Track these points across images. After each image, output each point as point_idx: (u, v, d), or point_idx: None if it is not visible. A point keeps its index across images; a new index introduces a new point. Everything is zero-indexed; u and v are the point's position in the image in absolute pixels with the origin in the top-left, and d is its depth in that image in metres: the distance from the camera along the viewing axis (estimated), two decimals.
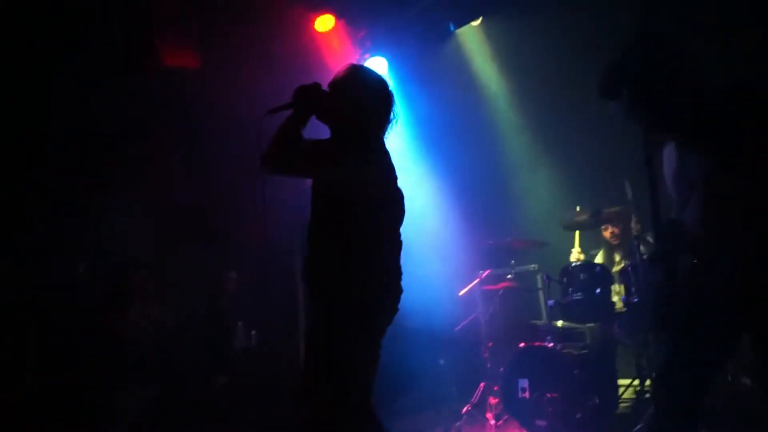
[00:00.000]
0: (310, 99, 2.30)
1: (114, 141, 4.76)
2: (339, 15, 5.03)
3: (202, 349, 4.77)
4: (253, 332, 4.99)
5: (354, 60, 5.23)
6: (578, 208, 4.58)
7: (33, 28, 4.19)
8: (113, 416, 3.95)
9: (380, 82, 2.40)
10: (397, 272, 2.29)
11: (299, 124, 2.28)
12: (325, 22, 5.03)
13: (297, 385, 2.20)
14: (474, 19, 5.08)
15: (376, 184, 2.24)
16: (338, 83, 2.36)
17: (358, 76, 2.39)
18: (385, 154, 2.34)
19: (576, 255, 4.64)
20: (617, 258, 4.69)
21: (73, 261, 4.49)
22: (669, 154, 2.24)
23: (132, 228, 4.69)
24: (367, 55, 5.27)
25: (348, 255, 2.17)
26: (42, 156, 4.46)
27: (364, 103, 2.31)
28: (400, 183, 2.38)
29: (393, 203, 2.32)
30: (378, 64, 5.29)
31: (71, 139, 4.56)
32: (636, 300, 3.85)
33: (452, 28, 5.01)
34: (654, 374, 2.21)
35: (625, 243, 4.58)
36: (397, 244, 2.32)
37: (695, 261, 2.09)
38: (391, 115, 2.38)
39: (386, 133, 2.38)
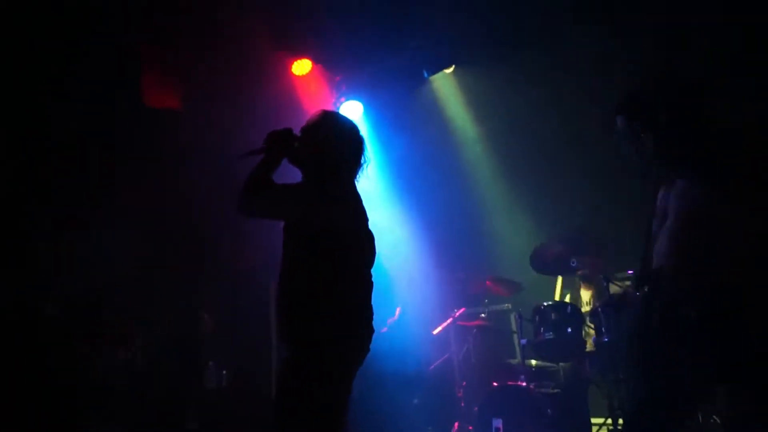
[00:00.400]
0: (282, 144, 2.36)
1: (89, 173, 4.73)
2: (316, 60, 5.17)
3: (173, 388, 4.66)
4: (224, 372, 4.91)
5: (329, 103, 5.36)
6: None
7: (18, 53, 4.21)
8: None
9: (351, 128, 2.47)
10: (368, 312, 2.32)
11: (270, 168, 2.33)
12: (302, 66, 5.16)
13: (269, 428, 2.18)
14: (447, 66, 5.26)
15: (347, 226, 2.29)
16: (310, 128, 2.43)
17: (330, 121, 2.46)
18: (356, 196, 2.40)
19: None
20: (586, 298, 4.78)
21: (42, 295, 4.39)
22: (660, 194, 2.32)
23: (104, 264, 4.63)
24: (342, 99, 5.39)
25: (319, 296, 2.20)
26: (11, 186, 4.41)
27: (335, 148, 2.38)
28: (373, 224, 2.44)
29: (364, 245, 2.37)
30: (353, 108, 5.43)
31: (43, 170, 4.52)
32: (606, 339, 3.92)
33: (426, 74, 5.18)
34: (625, 414, 2.23)
35: (595, 283, 4.68)
36: (368, 284, 2.36)
37: (661, 300, 2.12)
38: (362, 160, 2.44)
39: (357, 176, 2.44)
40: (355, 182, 2.44)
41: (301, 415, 2.12)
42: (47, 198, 4.58)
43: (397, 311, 4.86)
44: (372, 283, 2.37)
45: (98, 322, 4.35)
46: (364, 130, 5.59)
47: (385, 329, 4.63)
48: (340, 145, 2.39)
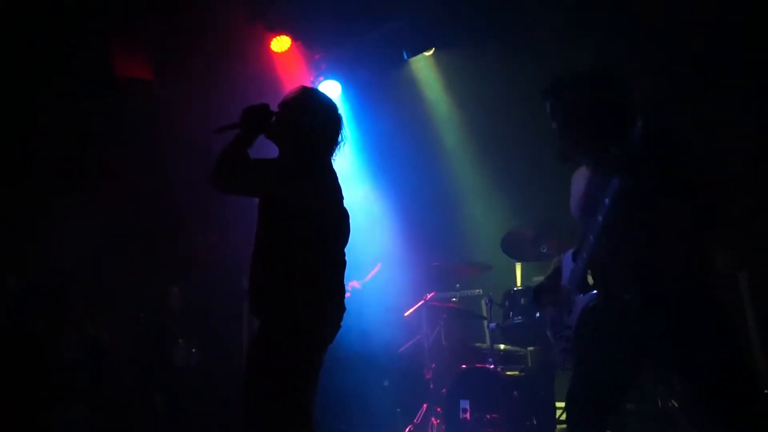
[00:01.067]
0: (258, 119, 2.33)
1: (56, 149, 4.62)
2: (295, 37, 5.10)
3: (140, 366, 4.63)
4: (194, 350, 4.88)
5: (308, 82, 5.30)
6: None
7: None
8: None
9: (330, 105, 2.46)
10: (340, 291, 2.33)
11: (245, 144, 2.31)
12: (281, 43, 5.09)
13: (240, 407, 2.19)
14: (427, 49, 5.25)
15: (321, 203, 2.29)
16: (289, 103, 2.41)
17: (309, 97, 2.44)
18: (332, 174, 2.39)
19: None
20: None
21: (5, 272, 4.30)
22: (580, 177, 2.36)
23: (71, 240, 4.54)
24: (321, 78, 5.35)
25: (291, 273, 2.19)
26: None
27: (313, 125, 2.36)
28: (346, 203, 2.43)
29: (338, 222, 2.37)
30: (331, 88, 5.38)
31: (12, 149, 4.40)
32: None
33: (405, 56, 5.16)
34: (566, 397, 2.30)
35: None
36: (341, 263, 2.36)
37: (600, 287, 2.19)
38: (340, 138, 2.43)
39: (334, 154, 2.43)
40: (332, 160, 2.43)
41: (270, 391, 2.12)
42: (15, 175, 4.46)
43: (377, 267, 4.86)
44: (345, 262, 2.37)
45: (62, 297, 4.28)
46: (342, 109, 5.59)
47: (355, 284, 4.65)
48: (318, 122, 2.37)
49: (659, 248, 2.04)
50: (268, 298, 2.22)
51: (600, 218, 2.13)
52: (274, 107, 2.42)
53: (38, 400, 3.83)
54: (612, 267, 2.14)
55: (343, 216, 2.40)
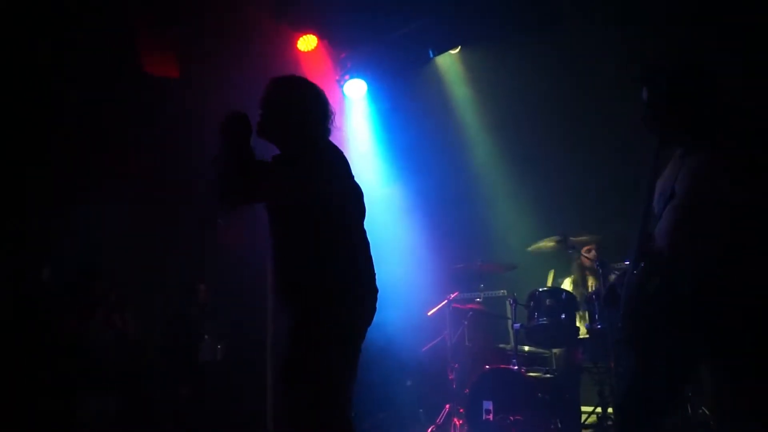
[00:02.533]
0: (240, 125, 2.26)
1: (86, 145, 4.71)
2: (322, 36, 5.12)
3: (166, 361, 4.69)
4: (219, 346, 4.94)
5: (333, 80, 5.32)
6: (549, 238, 4.65)
7: (12, 28, 4.16)
8: (74, 426, 3.85)
9: (306, 84, 2.41)
10: (370, 270, 2.29)
11: (239, 154, 2.23)
12: (307, 42, 5.12)
13: (277, 401, 2.18)
14: (453, 47, 5.22)
15: (335, 184, 2.26)
16: (268, 100, 2.37)
17: (284, 86, 2.40)
18: (336, 151, 2.34)
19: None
20: (591, 284, 4.79)
21: (38, 265, 4.40)
22: (662, 178, 2.28)
23: (102, 234, 4.63)
24: (347, 77, 5.36)
25: (318, 262, 2.17)
26: (10, 157, 4.39)
27: (300, 109, 2.33)
28: (372, 197, 2.39)
29: (354, 199, 2.33)
30: (357, 86, 5.39)
31: (42, 141, 4.50)
32: (599, 326, 3.93)
33: (431, 54, 5.13)
34: (616, 395, 2.23)
35: (596, 272, 4.68)
36: (365, 240, 2.32)
37: (658, 280, 2.10)
38: (329, 112, 2.39)
39: (329, 130, 2.39)
40: (328, 137, 2.38)
41: (310, 382, 2.09)
42: (47, 169, 4.57)
43: None
44: (368, 240, 2.33)
45: (92, 291, 4.36)
46: (367, 109, 5.60)
47: None
48: (303, 105, 2.34)
49: (724, 244, 1.99)
50: (299, 292, 2.19)
51: (672, 202, 2.09)
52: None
53: (67, 390, 3.91)
54: (676, 260, 2.07)
55: (358, 191, 2.36)
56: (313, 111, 2.36)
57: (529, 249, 4.68)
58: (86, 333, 4.23)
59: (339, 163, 2.32)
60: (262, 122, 2.34)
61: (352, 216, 2.31)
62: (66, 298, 4.34)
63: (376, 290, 2.28)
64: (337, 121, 2.42)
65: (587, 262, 4.79)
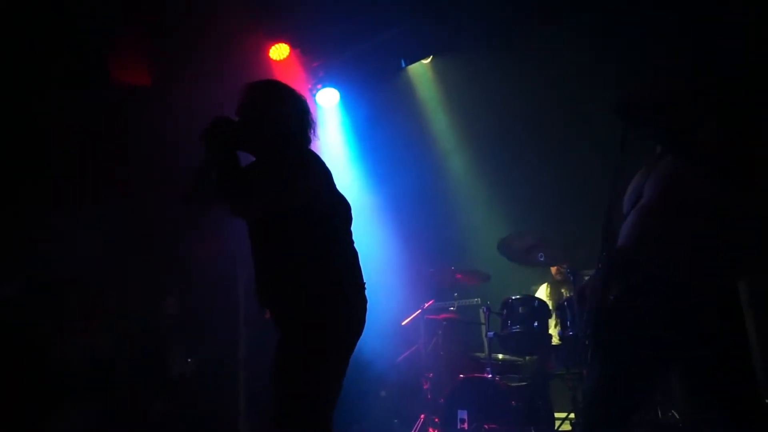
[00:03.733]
0: (226, 132, 2.15)
1: (55, 154, 4.60)
2: (294, 44, 5.10)
3: (137, 373, 4.58)
4: (190, 359, 4.84)
5: (306, 89, 5.31)
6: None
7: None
8: None
9: (286, 90, 2.33)
10: (359, 282, 2.22)
11: (233, 159, 2.14)
12: (279, 51, 5.09)
13: (233, 413, 2.14)
14: (425, 57, 5.26)
15: (323, 189, 2.20)
16: (247, 106, 2.26)
17: (264, 91, 2.31)
18: (318, 158, 2.26)
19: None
20: (564, 293, 4.85)
21: (7, 276, 4.26)
22: (637, 175, 2.26)
23: (70, 246, 4.51)
24: (319, 86, 5.35)
25: (307, 269, 2.12)
26: None
27: (280, 114, 2.24)
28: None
29: (342, 207, 2.28)
30: (330, 95, 5.38)
31: (10, 152, 4.37)
32: (571, 333, 3.97)
33: (403, 63, 5.16)
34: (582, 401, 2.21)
35: (568, 279, 4.73)
36: (352, 251, 2.26)
37: (624, 283, 2.08)
38: (310, 118, 2.31)
39: (311, 136, 2.31)
40: (310, 144, 2.31)
41: (295, 390, 2.05)
42: (17, 180, 4.44)
43: None
44: (356, 250, 2.28)
45: (60, 304, 4.24)
46: (340, 117, 5.59)
47: None
48: (284, 110, 2.26)
49: (684, 247, 1.98)
50: (294, 300, 2.13)
51: (639, 203, 2.08)
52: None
53: (36, 404, 3.78)
54: (635, 263, 2.06)
55: (342, 198, 2.29)
56: (295, 119, 2.28)
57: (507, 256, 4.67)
58: (54, 346, 4.10)
59: (322, 169, 2.25)
60: (242, 132, 2.20)
61: (339, 222, 2.25)
62: (34, 310, 4.21)
63: (365, 300, 2.22)
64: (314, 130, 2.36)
65: (553, 270, 4.87)
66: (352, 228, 2.34)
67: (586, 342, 2.23)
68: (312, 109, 2.36)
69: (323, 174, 2.24)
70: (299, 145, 2.26)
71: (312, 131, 2.32)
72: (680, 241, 1.99)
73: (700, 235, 1.98)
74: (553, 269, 4.90)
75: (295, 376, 2.06)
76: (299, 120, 2.29)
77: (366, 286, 2.25)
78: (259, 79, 2.37)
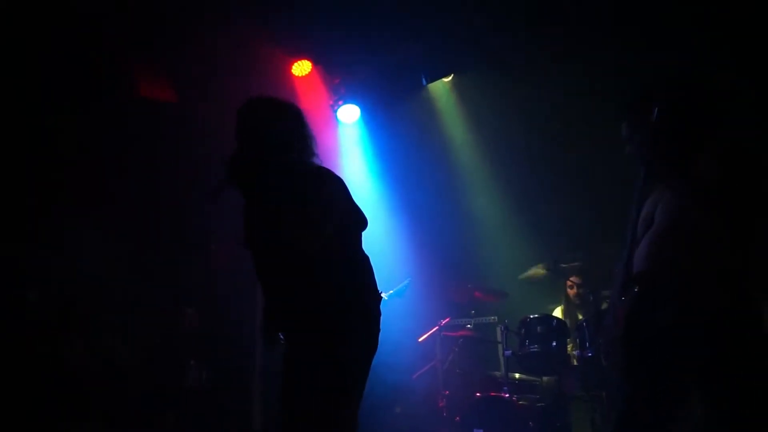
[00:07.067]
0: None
1: (74, 167, 4.69)
2: (316, 61, 5.17)
3: (152, 385, 4.61)
4: (206, 371, 4.86)
5: (327, 106, 5.37)
6: (539, 266, 4.65)
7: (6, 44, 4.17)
8: None
9: (278, 104, 2.28)
10: (372, 293, 2.23)
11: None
12: (302, 67, 5.17)
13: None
14: (446, 75, 5.29)
15: (341, 204, 2.18)
16: (252, 124, 2.21)
17: (257, 111, 2.26)
18: (323, 169, 2.23)
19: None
20: (579, 316, 4.80)
21: (22, 288, 4.33)
22: (648, 201, 2.28)
23: (88, 256, 4.58)
24: (340, 102, 5.41)
25: (316, 284, 2.12)
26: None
27: (278, 131, 2.19)
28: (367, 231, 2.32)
29: (356, 217, 2.25)
30: (351, 111, 5.44)
31: (25, 163, 4.47)
32: (590, 354, 3.92)
33: (424, 81, 5.19)
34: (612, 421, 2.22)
35: (586, 301, 4.69)
36: (363, 260, 2.24)
37: (637, 302, 2.12)
38: (306, 130, 2.25)
39: (313, 148, 2.26)
40: (315, 158, 2.26)
41: (316, 413, 2.05)
42: (35, 192, 4.53)
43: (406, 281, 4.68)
44: (367, 256, 2.26)
45: (75, 314, 4.30)
46: (361, 134, 5.64)
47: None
48: (281, 126, 2.21)
49: (706, 264, 2.01)
50: (294, 316, 2.14)
51: (651, 230, 2.11)
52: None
53: (51, 414, 3.83)
54: (654, 284, 2.09)
55: (360, 213, 2.25)
56: (295, 132, 2.23)
57: (521, 277, 4.69)
58: (69, 358, 4.15)
59: (331, 178, 2.22)
60: (242, 157, 2.14)
61: (349, 233, 2.23)
62: (48, 322, 4.27)
63: (379, 312, 2.21)
64: (328, 145, 2.34)
65: (572, 293, 4.81)
66: (370, 244, 2.34)
67: (605, 363, 2.24)
68: (307, 119, 2.30)
69: (342, 192, 2.20)
70: (308, 166, 2.21)
71: (314, 143, 2.26)
72: (689, 267, 2.03)
73: (707, 261, 2.01)
74: (572, 291, 4.84)
75: (311, 407, 2.06)
76: (297, 134, 2.24)
77: (382, 298, 2.26)
78: (250, 100, 2.31)
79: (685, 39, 3.96)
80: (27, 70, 4.31)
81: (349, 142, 5.61)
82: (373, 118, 5.54)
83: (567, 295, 4.92)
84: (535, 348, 4.13)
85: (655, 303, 2.08)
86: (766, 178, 2.02)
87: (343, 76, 5.30)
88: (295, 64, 5.16)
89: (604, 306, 4.00)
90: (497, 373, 4.62)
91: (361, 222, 2.26)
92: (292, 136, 2.21)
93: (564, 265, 4.53)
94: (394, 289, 4.59)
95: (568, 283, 4.76)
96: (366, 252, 2.29)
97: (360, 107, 5.44)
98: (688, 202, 2.06)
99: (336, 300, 2.12)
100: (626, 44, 4.20)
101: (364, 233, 2.31)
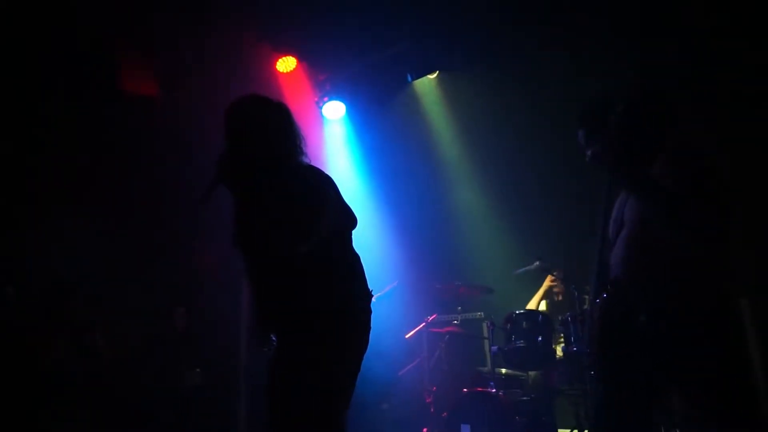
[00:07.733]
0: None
1: (59, 161, 4.63)
2: (301, 57, 5.15)
3: (142, 383, 4.57)
4: (197, 370, 4.83)
5: (312, 102, 5.35)
6: (537, 263, 4.67)
7: None
8: None
9: (263, 103, 2.24)
10: (363, 293, 2.20)
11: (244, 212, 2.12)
12: (287, 63, 5.15)
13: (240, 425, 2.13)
14: (431, 72, 5.29)
15: (333, 203, 2.16)
16: (234, 131, 2.18)
17: (242, 112, 2.23)
18: (321, 174, 2.21)
19: None
20: (564, 308, 4.84)
21: (2, 282, 4.26)
22: (618, 201, 2.30)
23: (72, 252, 4.52)
24: (326, 98, 5.39)
25: (306, 284, 2.10)
26: None
27: (267, 130, 2.18)
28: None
29: (347, 214, 2.24)
30: (336, 108, 5.43)
31: (12, 158, 4.41)
32: (575, 349, 3.96)
33: (409, 78, 5.20)
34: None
35: (568, 293, 4.74)
36: (353, 258, 2.23)
37: (618, 309, 2.14)
38: (294, 127, 2.23)
39: (302, 146, 2.24)
40: (304, 153, 2.25)
41: (303, 412, 2.04)
42: (18, 187, 4.47)
43: (393, 284, 4.71)
44: (357, 255, 2.25)
45: (60, 310, 4.24)
46: (346, 130, 5.63)
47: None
48: (269, 124, 2.19)
49: (677, 268, 2.03)
50: (286, 316, 2.12)
51: (622, 233, 2.13)
52: None
53: (34, 411, 3.78)
54: (630, 286, 2.11)
55: (350, 211, 2.24)
56: (285, 131, 2.22)
57: (516, 273, 4.71)
58: (53, 352, 4.09)
59: (319, 176, 2.20)
60: (231, 157, 2.14)
61: (351, 230, 2.23)
62: (32, 316, 4.20)
63: (369, 311, 2.20)
64: (313, 142, 2.34)
65: (557, 289, 4.86)
66: (356, 240, 2.32)
67: (588, 361, 2.26)
68: (295, 118, 2.28)
69: (332, 191, 2.19)
70: (297, 165, 2.20)
71: (303, 142, 2.25)
72: (663, 269, 2.04)
73: (681, 262, 2.02)
74: (558, 289, 4.89)
75: (304, 407, 2.04)
76: (290, 134, 2.23)
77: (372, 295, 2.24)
78: (237, 100, 2.27)
79: (667, 40, 4.01)
80: (11, 69, 4.25)
81: (334, 139, 5.60)
82: (358, 114, 5.53)
83: (552, 291, 4.96)
84: (521, 343, 4.16)
85: (630, 306, 2.10)
86: (721, 179, 2.03)
87: (328, 73, 5.29)
88: (280, 60, 5.13)
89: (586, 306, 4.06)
90: (484, 369, 4.65)
91: (351, 221, 2.25)
92: (280, 136, 2.21)
93: (555, 272, 4.61)
94: (382, 292, 4.60)
95: (551, 278, 4.80)
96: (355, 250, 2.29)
97: (345, 104, 5.43)
98: (651, 206, 2.06)
99: (326, 301, 2.11)
100: (610, 42, 4.24)
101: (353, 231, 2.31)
